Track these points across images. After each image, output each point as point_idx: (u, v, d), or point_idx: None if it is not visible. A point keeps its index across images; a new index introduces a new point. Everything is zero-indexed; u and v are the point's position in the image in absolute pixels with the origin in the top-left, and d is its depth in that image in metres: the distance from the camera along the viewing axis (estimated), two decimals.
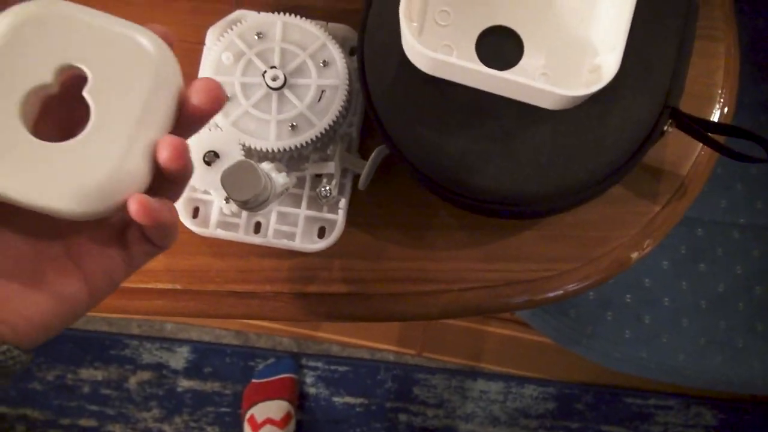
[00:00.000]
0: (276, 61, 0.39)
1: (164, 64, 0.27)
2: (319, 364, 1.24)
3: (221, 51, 0.39)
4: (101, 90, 0.26)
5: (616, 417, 1.23)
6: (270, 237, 0.39)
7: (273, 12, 0.39)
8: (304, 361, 1.24)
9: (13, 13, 0.26)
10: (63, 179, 0.26)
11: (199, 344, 1.24)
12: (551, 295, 0.39)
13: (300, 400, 1.21)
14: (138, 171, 0.26)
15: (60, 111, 0.28)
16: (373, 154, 0.39)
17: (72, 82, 0.27)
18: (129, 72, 0.27)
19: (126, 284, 0.40)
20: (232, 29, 0.39)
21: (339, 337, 1.28)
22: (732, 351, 0.76)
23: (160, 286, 0.40)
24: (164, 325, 1.27)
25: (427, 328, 1.28)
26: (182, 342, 1.24)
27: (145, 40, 0.27)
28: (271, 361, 1.22)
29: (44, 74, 0.26)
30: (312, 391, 1.23)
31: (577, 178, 0.35)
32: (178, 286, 0.40)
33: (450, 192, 0.37)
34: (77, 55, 0.27)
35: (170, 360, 1.22)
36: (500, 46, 0.36)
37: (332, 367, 1.24)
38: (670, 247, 0.78)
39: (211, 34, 0.41)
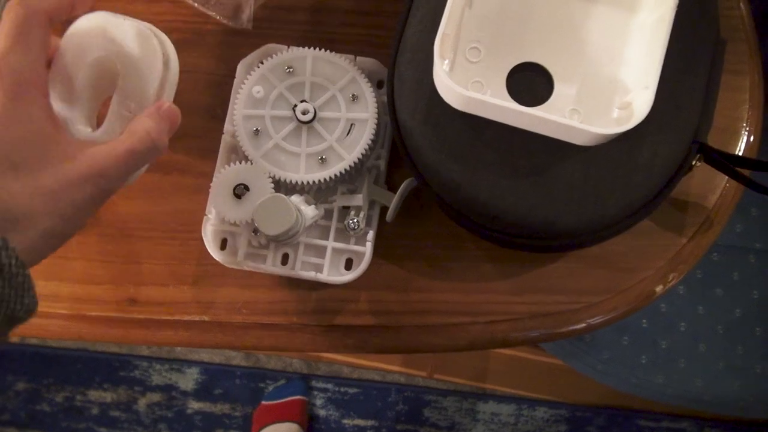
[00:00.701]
0: (306, 95, 0.39)
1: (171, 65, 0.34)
2: (329, 386, 1.23)
3: (252, 84, 0.39)
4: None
5: None
6: (297, 269, 0.40)
7: (303, 46, 0.40)
8: (314, 383, 1.23)
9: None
10: None
11: (209, 365, 1.24)
12: (576, 327, 0.39)
13: (310, 422, 1.20)
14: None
15: None
16: (401, 187, 0.39)
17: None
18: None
19: (152, 316, 0.40)
20: (262, 63, 0.40)
21: (349, 359, 1.27)
22: (750, 376, 0.75)
23: (187, 318, 0.40)
24: (173, 347, 1.26)
25: None
26: (192, 363, 1.24)
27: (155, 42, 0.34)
28: (281, 382, 1.21)
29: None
30: (322, 413, 1.22)
31: (607, 213, 0.35)
32: (205, 318, 0.40)
33: (479, 225, 0.37)
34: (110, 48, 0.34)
35: (180, 381, 1.22)
36: (531, 82, 0.36)
37: (342, 389, 1.23)
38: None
39: (242, 68, 0.42)
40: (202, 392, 1.22)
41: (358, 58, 0.41)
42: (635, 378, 0.77)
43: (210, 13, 0.44)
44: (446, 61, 0.36)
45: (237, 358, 1.26)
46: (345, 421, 1.22)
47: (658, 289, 0.41)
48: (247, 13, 0.44)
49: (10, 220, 0.26)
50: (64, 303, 0.41)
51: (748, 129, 0.42)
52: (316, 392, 1.23)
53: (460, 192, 0.36)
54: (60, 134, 0.30)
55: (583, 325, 0.40)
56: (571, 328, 0.40)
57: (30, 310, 0.26)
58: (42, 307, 0.41)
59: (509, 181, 0.35)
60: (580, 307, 0.40)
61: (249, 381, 1.22)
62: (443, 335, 0.40)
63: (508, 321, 0.40)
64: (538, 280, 0.40)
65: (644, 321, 0.77)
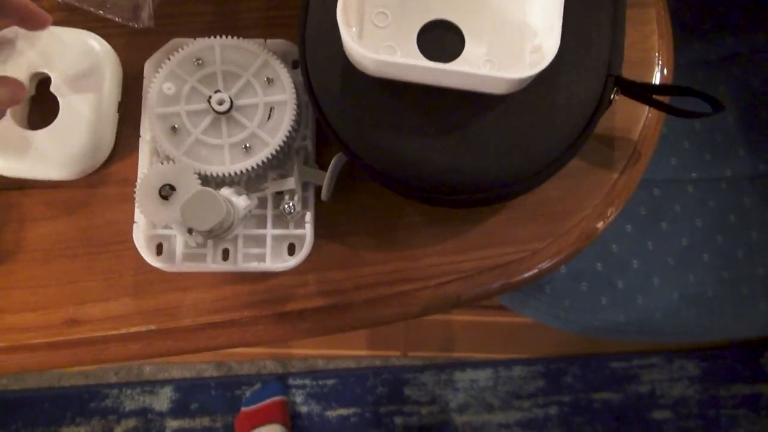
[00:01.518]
0: (220, 85, 0.38)
1: (107, 59, 0.41)
2: (307, 381, 1.23)
3: (162, 82, 0.38)
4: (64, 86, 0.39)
5: (604, 383, 1.26)
6: (240, 262, 0.39)
7: (208, 36, 0.39)
8: (291, 381, 1.22)
9: None
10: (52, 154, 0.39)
11: (181, 382, 1.21)
12: (527, 275, 0.40)
13: (293, 420, 1.19)
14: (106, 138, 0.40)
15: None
16: (331, 164, 0.38)
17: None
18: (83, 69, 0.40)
19: (97, 333, 0.39)
20: (169, 59, 0.39)
21: (323, 351, 1.27)
22: (704, 302, 0.78)
23: (133, 329, 0.39)
24: (142, 368, 1.24)
25: (409, 328, 1.28)
26: (163, 383, 1.22)
27: (93, 41, 0.41)
28: (257, 386, 1.20)
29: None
30: (303, 409, 1.21)
31: (535, 157, 0.36)
32: (152, 327, 0.39)
33: (413, 189, 0.37)
34: (43, 63, 0.39)
35: (154, 403, 1.19)
36: (441, 40, 0.36)
37: (320, 382, 1.23)
38: (631, 211, 0.79)
39: (149, 66, 0.40)
40: (179, 410, 1.19)
41: (268, 40, 0.40)
42: (597, 321, 0.79)
43: (108, 16, 0.42)
44: (353, 30, 0.35)
45: (209, 370, 1.24)
46: (328, 413, 1.21)
47: (599, 225, 0.42)
48: (146, 11, 0.42)
49: None
50: (3, 335, 0.39)
51: (660, 59, 0.43)
52: (294, 390, 1.22)
53: (389, 159, 0.36)
54: None
55: (534, 271, 0.40)
56: (522, 276, 0.41)
57: None
58: None
59: (435, 141, 0.35)
60: (526, 255, 0.40)
61: (224, 390, 1.21)
62: (396, 305, 0.40)
63: (458, 280, 0.40)
64: (482, 235, 0.40)
65: (598, 264, 0.79)
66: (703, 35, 0.84)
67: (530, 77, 0.32)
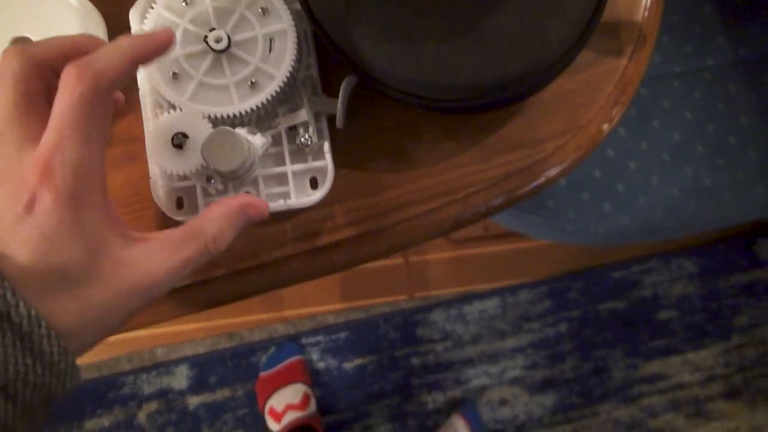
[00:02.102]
0: (213, 23, 0.37)
1: (88, 16, 0.39)
2: (320, 338, 1.24)
3: (151, 29, 0.36)
4: None
5: (607, 293, 1.29)
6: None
7: None
8: (304, 340, 1.23)
9: None
10: None
11: (195, 358, 1.21)
12: (554, 172, 0.39)
13: (313, 377, 1.21)
14: None
15: None
16: (341, 89, 0.37)
17: None
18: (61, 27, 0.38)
19: None
20: (154, 5, 0.37)
21: (330, 306, 1.27)
22: (703, 192, 0.79)
23: None
24: (154, 351, 1.23)
25: (411, 270, 1.29)
26: (178, 362, 1.21)
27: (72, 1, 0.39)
28: (272, 350, 1.20)
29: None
30: (321, 365, 1.22)
31: (551, 48, 0.35)
32: (186, 282, 0.38)
33: (432, 100, 0.36)
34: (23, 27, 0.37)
35: (172, 382, 1.19)
36: None
37: (333, 336, 1.24)
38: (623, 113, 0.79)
39: (134, 16, 0.38)
40: (198, 385, 1.20)
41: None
42: (603, 227, 0.80)
43: None
44: None
45: (221, 342, 1.24)
46: (345, 365, 1.23)
47: (605, 127, 0.41)
48: None
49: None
50: None
51: None
52: (309, 348, 1.23)
53: (404, 71, 0.35)
54: (116, 238, 0.26)
55: (562, 167, 0.40)
56: (549, 174, 0.40)
57: (70, 390, 0.24)
58: None
59: (449, 44, 0.34)
60: (546, 154, 0.40)
61: (240, 359, 1.21)
62: (426, 223, 0.39)
63: (484, 189, 0.39)
64: (501, 141, 0.40)
65: (597, 172, 0.79)
66: None
67: None
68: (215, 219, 0.29)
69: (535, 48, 0.35)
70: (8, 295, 0.22)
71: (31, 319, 0.22)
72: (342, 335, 1.24)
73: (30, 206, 0.24)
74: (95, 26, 0.39)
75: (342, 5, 0.34)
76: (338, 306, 1.28)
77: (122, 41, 0.27)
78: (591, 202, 0.79)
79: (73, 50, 0.27)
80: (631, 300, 1.29)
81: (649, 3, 0.42)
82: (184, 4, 0.37)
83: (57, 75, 0.26)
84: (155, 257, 0.27)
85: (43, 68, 0.26)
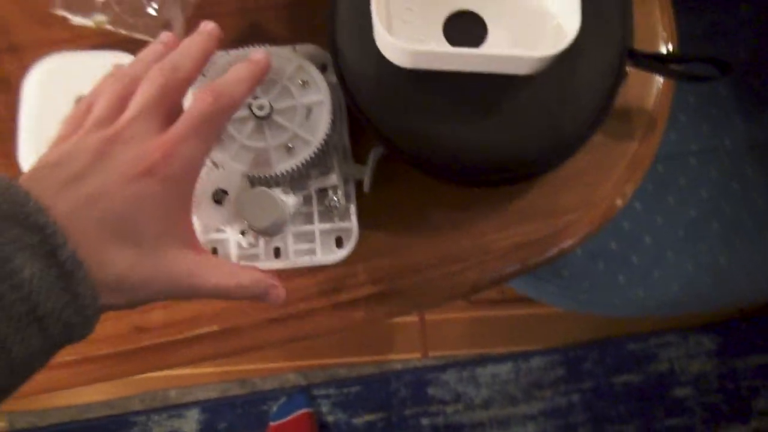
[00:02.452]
0: (258, 92, 0.40)
1: None
2: (331, 391, 1.24)
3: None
4: None
5: (623, 366, 1.28)
6: (292, 258, 0.41)
7: (241, 48, 0.41)
8: (315, 391, 1.24)
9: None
10: None
11: (206, 403, 1.22)
12: (566, 245, 0.42)
13: (321, 430, 1.20)
14: None
15: None
16: (370, 157, 0.40)
17: None
18: None
19: (164, 338, 0.41)
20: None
21: (343, 359, 1.28)
22: (718, 270, 0.80)
23: (197, 332, 0.41)
24: (167, 393, 1.24)
25: (426, 328, 1.30)
26: (189, 405, 1.22)
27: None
28: (283, 400, 1.21)
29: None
30: (330, 419, 1.22)
31: (565, 132, 0.38)
32: (215, 328, 0.41)
33: (451, 172, 0.39)
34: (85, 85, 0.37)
35: (183, 426, 1.20)
36: (465, 29, 0.39)
37: (344, 390, 1.24)
38: (638, 188, 0.82)
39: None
40: (207, 431, 1.20)
41: (297, 46, 0.42)
42: (618, 299, 0.81)
43: (140, 36, 0.44)
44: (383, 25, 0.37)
45: (233, 388, 1.25)
46: (354, 420, 1.22)
47: (618, 202, 0.44)
48: (177, 28, 0.45)
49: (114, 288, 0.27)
50: (68, 350, 0.40)
51: (664, 33, 0.46)
52: (319, 400, 1.23)
53: (426, 145, 0.38)
54: (187, 232, 0.32)
55: (574, 240, 0.42)
56: (559, 247, 0.42)
57: (81, 339, 0.27)
58: None
59: (468, 124, 0.37)
60: (561, 227, 0.42)
61: (250, 407, 1.22)
62: (444, 286, 0.42)
63: (500, 257, 0.42)
64: (517, 212, 0.42)
65: (612, 243, 0.81)
66: (687, 11, 0.88)
67: (555, 55, 0.35)
68: (256, 283, 0.34)
69: (550, 131, 0.38)
70: (58, 236, 0.25)
71: (74, 261, 0.25)
72: (353, 389, 1.24)
73: (144, 173, 0.29)
74: None
75: (374, 82, 0.38)
76: (351, 359, 1.29)
77: (241, 72, 0.35)
78: (606, 273, 0.80)
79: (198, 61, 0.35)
80: (647, 374, 1.27)
81: (659, 91, 0.45)
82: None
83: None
84: (212, 269, 0.32)
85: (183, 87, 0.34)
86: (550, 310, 1.32)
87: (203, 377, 1.26)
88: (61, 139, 0.31)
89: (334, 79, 0.41)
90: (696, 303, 0.82)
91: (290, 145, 0.40)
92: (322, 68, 0.44)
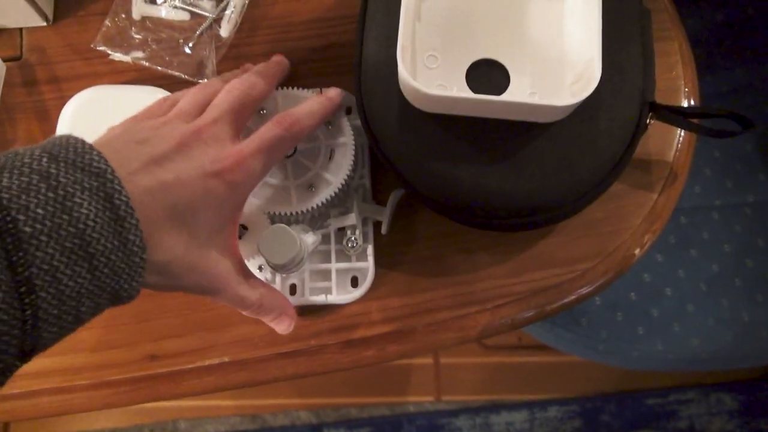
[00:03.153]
0: None
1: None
2: (341, 431, 1.22)
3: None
4: None
5: (641, 421, 1.24)
6: (307, 296, 0.41)
7: (284, 88, 0.42)
8: (325, 431, 1.22)
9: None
10: None
11: None
12: (582, 293, 0.42)
13: None
14: None
15: None
16: (390, 199, 0.41)
17: None
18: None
19: (175, 367, 0.41)
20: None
21: (355, 399, 1.27)
22: (740, 326, 0.79)
23: (208, 362, 0.41)
24: (176, 425, 1.24)
25: (441, 371, 1.28)
26: None
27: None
28: None
29: None
30: None
31: (581, 179, 0.38)
32: (226, 359, 0.41)
33: (468, 215, 0.39)
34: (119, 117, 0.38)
35: None
36: (488, 76, 0.39)
37: (355, 431, 1.22)
38: (660, 240, 0.81)
39: None
40: None
41: (323, 89, 0.44)
42: (636, 351, 0.80)
43: (175, 73, 0.46)
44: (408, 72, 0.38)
45: (243, 423, 1.24)
46: None
47: (637, 251, 0.43)
48: (210, 67, 0.46)
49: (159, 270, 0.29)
50: (83, 374, 0.41)
51: (686, 87, 0.46)
52: None
53: (445, 189, 0.38)
54: (234, 237, 0.35)
55: (589, 289, 0.42)
56: (575, 294, 0.42)
57: (131, 297, 0.28)
58: (62, 381, 0.41)
59: (487, 169, 0.38)
60: (576, 275, 0.42)
61: None
62: (455, 328, 0.41)
63: (513, 302, 0.42)
64: (532, 258, 0.42)
65: (632, 294, 0.80)
66: (714, 68, 0.88)
67: (576, 104, 0.35)
68: (275, 308, 0.37)
69: (567, 178, 0.38)
70: (115, 183, 0.26)
71: (128, 207, 0.26)
72: (364, 430, 1.23)
73: (216, 174, 0.32)
74: None
75: (395, 125, 0.39)
76: (363, 400, 1.27)
77: (316, 107, 0.38)
78: (625, 323, 0.79)
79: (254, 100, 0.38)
80: (666, 430, 1.23)
81: (680, 144, 0.45)
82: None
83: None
84: (244, 280, 0.35)
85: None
86: (568, 358, 1.29)
87: (215, 410, 1.25)
88: (135, 119, 0.34)
89: (358, 122, 0.42)
90: (717, 359, 0.80)
91: (312, 184, 0.41)
92: (347, 111, 0.45)
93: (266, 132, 0.35)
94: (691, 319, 0.79)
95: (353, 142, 0.41)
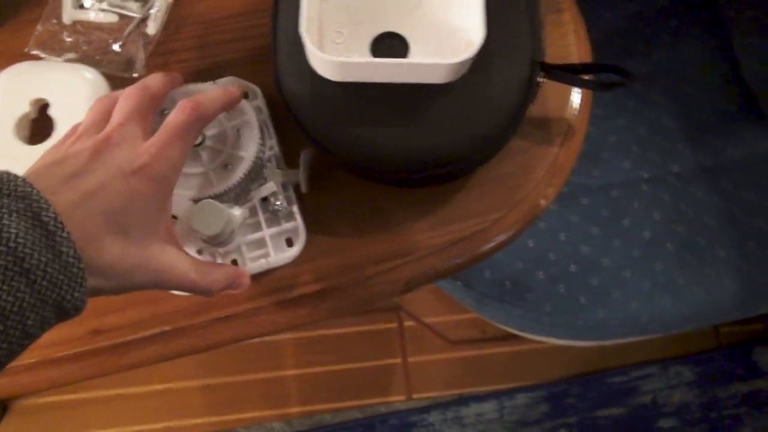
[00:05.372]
0: None
1: (99, 87, 0.48)
2: None
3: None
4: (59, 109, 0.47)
5: (606, 399, 1.28)
6: (249, 265, 0.44)
7: (196, 81, 0.45)
8: None
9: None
10: None
11: None
12: (499, 240, 0.45)
13: None
14: None
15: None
16: (300, 160, 0.44)
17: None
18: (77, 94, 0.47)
19: (118, 339, 0.43)
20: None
21: (327, 405, 1.28)
22: (676, 288, 0.83)
23: (149, 332, 0.43)
24: None
25: (409, 370, 1.30)
26: None
27: (87, 73, 0.48)
28: None
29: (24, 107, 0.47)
30: None
31: (479, 133, 0.42)
32: (166, 328, 0.43)
33: (381, 173, 0.43)
34: (43, 91, 0.47)
35: None
36: (390, 47, 0.43)
37: None
38: (594, 214, 0.86)
39: None
40: None
41: (217, 80, 0.47)
42: (580, 320, 0.84)
43: (105, 71, 0.49)
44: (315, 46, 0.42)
45: None
46: None
47: (542, 202, 0.47)
48: (139, 63, 0.50)
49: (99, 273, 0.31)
50: (29, 353, 0.43)
51: (579, 51, 0.51)
52: None
53: (357, 149, 0.42)
54: (168, 229, 0.36)
55: (501, 238, 0.46)
56: (493, 242, 0.46)
57: (77, 308, 0.30)
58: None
59: (394, 129, 0.42)
60: (489, 224, 0.46)
61: None
62: (382, 282, 0.45)
63: (434, 253, 0.45)
64: (448, 212, 0.46)
65: (572, 266, 0.84)
66: (634, 54, 0.94)
67: (463, 61, 0.39)
68: (228, 277, 0.39)
69: (467, 133, 0.42)
70: (42, 201, 0.28)
71: (57, 222, 0.28)
72: None
73: (136, 172, 0.33)
74: (103, 93, 0.47)
75: (307, 95, 0.42)
76: (335, 405, 1.28)
77: (218, 93, 0.40)
78: (567, 295, 0.83)
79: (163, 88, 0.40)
80: (631, 406, 1.27)
81: (577, 103, 0.49)
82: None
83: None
84: (190, 266, 0.36)
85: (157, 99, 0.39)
86: (531, 346, 1.33)
87: (188, 429, 1.25)
88: (54, 148, 0.36)
89: (256, 103, 0.46)
90: (657, 322, 0.84)
91: (227, 163, 0.44)
92: (245, 96, 0.48)
93: (172, 120, 0.36)
94: (628, 284, 0.83)
95: (256, 119, 0.44)
